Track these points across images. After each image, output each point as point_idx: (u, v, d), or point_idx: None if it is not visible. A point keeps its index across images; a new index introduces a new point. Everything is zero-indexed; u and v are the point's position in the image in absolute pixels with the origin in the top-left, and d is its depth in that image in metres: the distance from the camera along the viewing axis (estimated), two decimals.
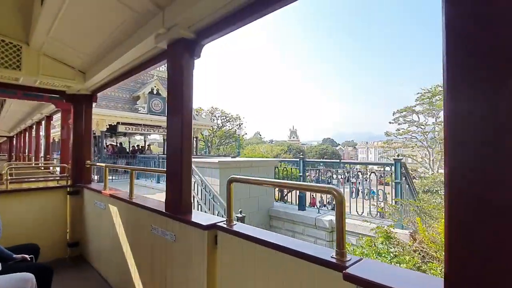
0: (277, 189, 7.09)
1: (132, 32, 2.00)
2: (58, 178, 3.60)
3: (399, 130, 26.45)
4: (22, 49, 2.57)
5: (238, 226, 1.45)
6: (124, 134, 18.64)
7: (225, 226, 1.46)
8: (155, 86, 14.14)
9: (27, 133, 8.98)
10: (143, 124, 14.24)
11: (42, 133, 7.41)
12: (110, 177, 9.89)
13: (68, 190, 3.24)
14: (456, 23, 0.62)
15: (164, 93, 14.13)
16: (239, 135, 23.35)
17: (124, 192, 2.56)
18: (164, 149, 18.52)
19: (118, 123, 12.75)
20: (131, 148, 17.46)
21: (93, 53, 2.48)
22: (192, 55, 1.78)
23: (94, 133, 13.43)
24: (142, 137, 20.83)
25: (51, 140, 19.92)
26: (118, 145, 16.64)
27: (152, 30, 1.77)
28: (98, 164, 3.12)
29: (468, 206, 0.60)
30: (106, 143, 18.41)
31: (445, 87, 0.64)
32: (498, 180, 0.56)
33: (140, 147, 17.71)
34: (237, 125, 32.65)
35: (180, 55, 1.73)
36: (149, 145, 18.87)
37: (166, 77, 10.72)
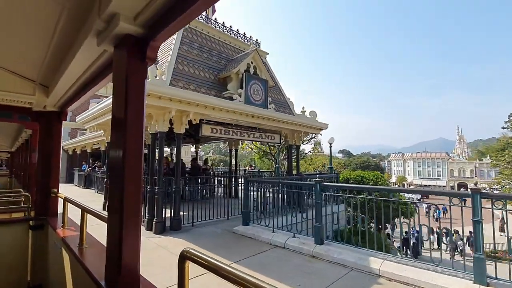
0: None
1: (76, 32, 1.70)
2: (25, 209, 3.36)
3: None
4: None
5: None
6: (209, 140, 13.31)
7: None
8: (251, 62, 8.82)
9: (20, 150, 9.19)
10: (235, 125, 8.80)
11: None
12: (193, 213, 6.66)
13: (30, 224, 2.98)
14: None
15: (264, 74, 9.23)
16: (330, 144, 15.26)
17: (76, 235, 2.21)
18: (229, 164, 13.56)
19: (202, 121, 7.63)
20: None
21: (46, 62, 2.23)
22: (143, 58, 1.42)
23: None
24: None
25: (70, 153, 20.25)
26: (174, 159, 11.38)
27: (91, 26, 1.44)
28: (59, 194, 2.84)
29: None
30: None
31: None
32: None
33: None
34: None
35: (125, 58, 1.38)
36: (206, 160, 14.46)
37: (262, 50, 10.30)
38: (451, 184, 63.20)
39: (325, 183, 5.22)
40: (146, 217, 6.45)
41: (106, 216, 1.49)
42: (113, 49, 1.50)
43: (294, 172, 10.81)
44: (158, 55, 8.25)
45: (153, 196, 6.42)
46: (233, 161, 13.10)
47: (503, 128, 28.98)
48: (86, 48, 1.63)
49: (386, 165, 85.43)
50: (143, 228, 6.16)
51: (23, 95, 2.70)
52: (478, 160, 61.65)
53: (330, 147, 15.34)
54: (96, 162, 15.09)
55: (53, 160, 3.05)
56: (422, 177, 70.24)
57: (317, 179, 5.55)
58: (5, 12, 1.60)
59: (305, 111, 10.72)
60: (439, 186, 63.71)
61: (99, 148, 15.26)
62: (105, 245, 1.88)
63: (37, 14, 1.59)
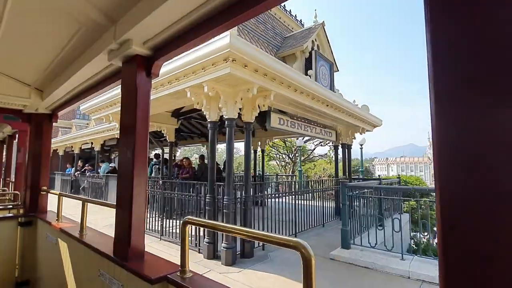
0: None
1: (86, 47, 2.07)
2: (10, 206, 3.59)
3: None
4: None
5: (193, 279, 1.40)
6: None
7: (177, 278, 1.41)
8: (315, 40, 7.77)
9: None
10: (299, 117, 7.24)
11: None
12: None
13: (19, 220, 3.22)
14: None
15: (328, 55, 8.20)
16: (361, 145, 14.18)
17: (75, 225, 2.54)
18: (254, 167, 12.41)
19: (270, 108, 6.05)
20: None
21: (48, 69, 2.54)
22: (149, 73, 1.83)
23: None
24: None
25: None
26: (200, 160, 9.45)
27: (105, 45, 1.82)
28: (52, 191, 3.12)
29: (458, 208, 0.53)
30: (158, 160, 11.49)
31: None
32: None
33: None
34: None
35: (134, 74, 1.77)
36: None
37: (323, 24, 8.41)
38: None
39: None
40: (206, 239, 4.79)
41: (113, 204, 1.87)
42: (121, 64, 1.89)
43: (340, 175, 9.48)
44: None
45: (214, 209, 4.90)
46: (252, 165, 11.21)
47: None
48: (96, 61, 2.01)
49: (370, 169, 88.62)
50: (201, 256, 4.85)
51: (18, 98, 2.97)
52: None
53: (361, 148, 14.48)
54: (87, 165, 13.60)
55: (43, 160, 3.32)
56: None
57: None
58: (21, 25, 1.94)
59: (357, 105, 9.00)
60: None
61: (93, 147, 13.46)
62: (105, 234, 2.26)
63: (53, 30, 1.94)
